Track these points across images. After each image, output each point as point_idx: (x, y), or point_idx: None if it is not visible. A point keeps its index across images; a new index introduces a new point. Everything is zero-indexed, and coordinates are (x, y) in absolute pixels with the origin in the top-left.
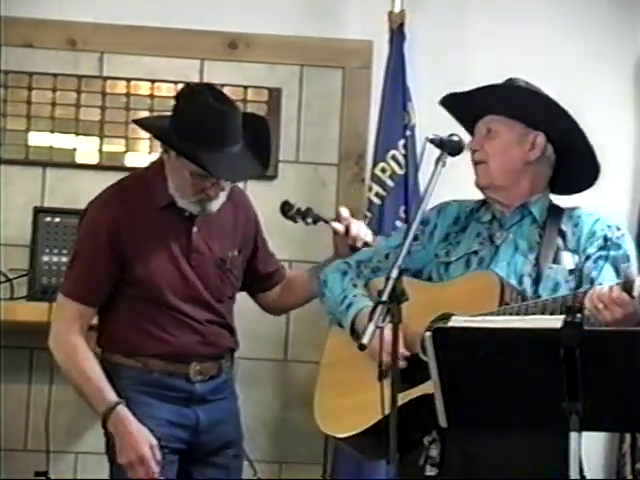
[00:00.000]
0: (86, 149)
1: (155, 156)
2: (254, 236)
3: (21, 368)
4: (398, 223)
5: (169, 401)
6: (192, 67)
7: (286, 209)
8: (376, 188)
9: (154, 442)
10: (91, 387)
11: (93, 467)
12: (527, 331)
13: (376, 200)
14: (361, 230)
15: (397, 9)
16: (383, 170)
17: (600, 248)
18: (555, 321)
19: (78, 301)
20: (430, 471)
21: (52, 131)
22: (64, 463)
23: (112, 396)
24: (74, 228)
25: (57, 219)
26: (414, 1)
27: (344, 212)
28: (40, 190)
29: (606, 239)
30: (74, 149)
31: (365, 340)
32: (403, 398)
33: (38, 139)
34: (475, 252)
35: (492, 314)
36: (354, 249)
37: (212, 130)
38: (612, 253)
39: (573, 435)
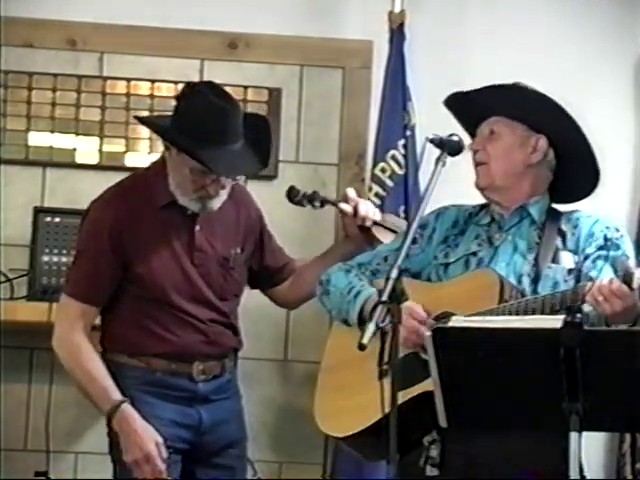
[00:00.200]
0: (86, 149)
1: (155, 156)
2: (259, 232)
3: (21, 368)
4: None
5: (172, 401)
6: (192, 67)
7: (292, 195)
8: (376, 188)
9: (159, 440)
10: (95, 386)
11: (93, 467)
12: (527, 331)
13: (376, 200)
14: (370, 209)
15: (397, 9)
16: (383, 170)
17: (599, 248)
18: (555, 321)
19: (81, 301)
20: (430, 471)
21: (52, 131)
22: (64, 463)
23: (117, 395)
24: (74, 228)
25: (57, 219)
26: (414, 1)
27: (351, 193)
28: (40, 190)
29: (605, 239)
30: (74, 149)
31: (365, 340)
32: (403, 396)
33: (38, 139)
34: (474, 253)
35: (492, 311)
36: (363, 229)
37: (212, 127)
38: (611, 253)
39: (573, 435)
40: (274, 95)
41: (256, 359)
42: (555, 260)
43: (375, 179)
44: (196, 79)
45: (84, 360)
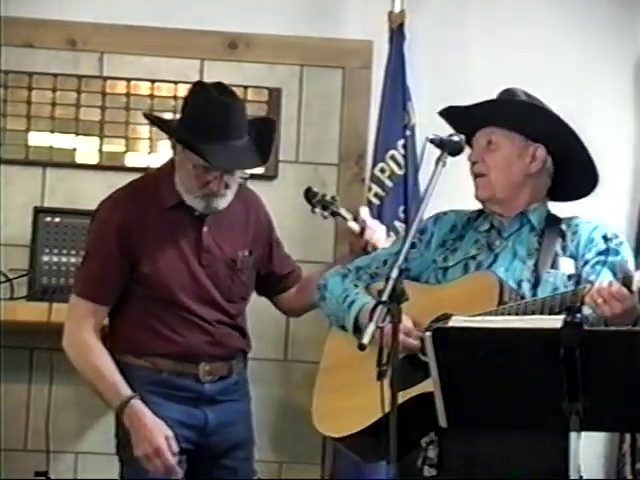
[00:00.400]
0: (86, 149)
1: (155, 156)
2: (267, 237)
3: (21, 368)
4: (397, 224)
5: (178, 401)
6: (192, 67)
7: (310, 195)
8: (375, 188)
9: (169, 434)
10: (105, 383)
11: (93, 467)
12: (527, 331)
13: (375, 200)
14: (374, 236)
15: (397, 9)
16: (382, 170)
17: (599, 254)
18: (555, 321)
19: (90, 300)
20: (428, 472)
21: (52, 131)
22: (64, 463)
23: (126, 390)
24: (74, 228)
25: (57, 219)
26: (414, 1)
27: (363, 213)
28: (40, 190)
29: (605, 245)
30: (74, 149)
31: (365, 340)
32: (402, 397)
33: (38, 139)
34: (473, 257)
35: (491, 313)
36: (365, 251)
37: (214, 122)
38: (610, 259)
39: (573, 435)
40: (274, 95)
41: (256, 359)
42: (554, 266)
43: (374, 179)
44: (196, 79)
45: (93, 358)
